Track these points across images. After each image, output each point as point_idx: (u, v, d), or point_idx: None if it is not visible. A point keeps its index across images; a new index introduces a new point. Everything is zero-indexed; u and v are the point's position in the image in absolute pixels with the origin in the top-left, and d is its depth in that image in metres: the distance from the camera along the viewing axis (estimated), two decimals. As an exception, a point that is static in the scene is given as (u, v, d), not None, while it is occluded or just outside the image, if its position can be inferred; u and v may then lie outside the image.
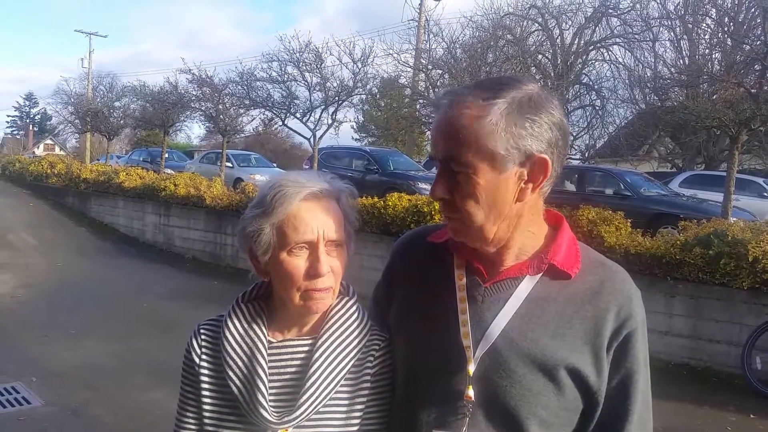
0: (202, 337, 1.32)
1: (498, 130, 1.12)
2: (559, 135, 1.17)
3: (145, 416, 5.04)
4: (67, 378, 5.80)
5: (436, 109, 1.21)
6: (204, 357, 1.30)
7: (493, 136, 1.11)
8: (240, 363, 1.25)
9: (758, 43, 9.66)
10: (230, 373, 1.25)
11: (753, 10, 13.40)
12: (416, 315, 1.29)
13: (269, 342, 1.28)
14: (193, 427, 1.31)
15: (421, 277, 1.33)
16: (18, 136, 63.24)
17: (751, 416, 5.69)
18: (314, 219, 1.20)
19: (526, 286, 1.21)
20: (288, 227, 1.21)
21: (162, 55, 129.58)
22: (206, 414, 1.28)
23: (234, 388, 1.24)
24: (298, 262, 1.21)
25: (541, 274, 1.22)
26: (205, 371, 1.29)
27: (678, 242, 7.07)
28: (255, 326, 1.29)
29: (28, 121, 68.79)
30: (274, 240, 1.22)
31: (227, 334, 1.28)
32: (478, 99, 1.13)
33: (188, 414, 1.32)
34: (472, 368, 1.18)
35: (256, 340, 1.27)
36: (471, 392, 1.17)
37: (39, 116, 68.43)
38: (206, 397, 1.29)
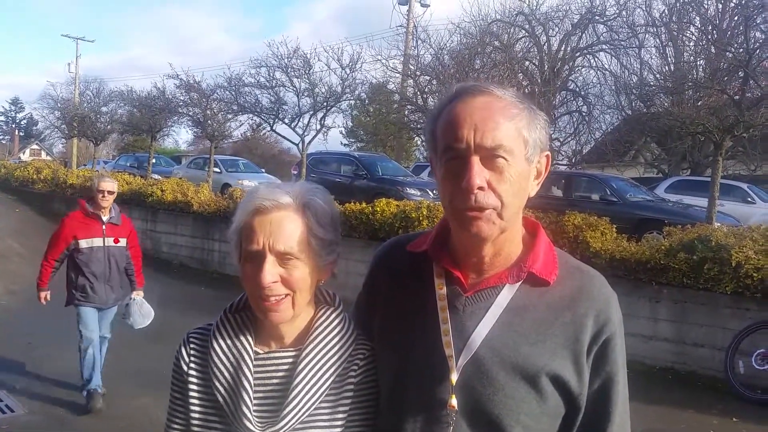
0: (191, 345, 1.34)
1: (531, 122, 1.18)
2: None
3: (132, 423, 5.02)
4: (52, 385, 5.75)
5: (458, 98, 1.18)
6: (192, 366, 1.33)
7: (528, 127, 1.17)
8: (226, 373, 1.27)
9: (741, 50, 9.78)
10: (217, 383, 1.27)
11: (736, 18, 13.59)
12: (398, 325, 1.30)
13: (256, 353, 1.30)
14: None
15: (401, 287, 1.33)
16: (3, 141, 62.68)
17: (734, 420, 5.74)
18: (262, 231, 1.21)
19: (506, 295, 1.23)
20: (244, 237, 1.25)
21: (151, 60, 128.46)
22: (193, 422, 1.30)
23: (220, 398, 1.26)
24: (250, 272, 1.23)
25: (520, 282, 1.23)
26: (193, 380, 1.32)
27: (663, 247, 7.14)
28: (242, 337, 1.30)
29: (13, 125, 68.15)
30: (238, 249, 1.27)
31: (215, 344, 1.30)
32: (504, 93, 1.18)
33: (176, 421, 1.34)
34: (454, 377, 1.19)
35: (242, 351, 1.29)
36: (454, 401, 1.19)
37: (25, 121, 67.86)
38: (194, 405, 1.31)
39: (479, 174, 1.12)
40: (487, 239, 1.18)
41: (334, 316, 1.33)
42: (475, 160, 1.12)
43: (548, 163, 1.24)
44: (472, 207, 1.13)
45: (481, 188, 1.12)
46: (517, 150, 1.15)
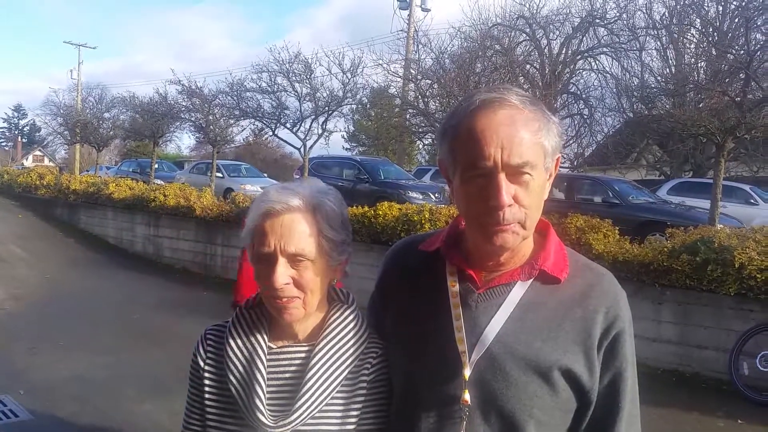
0: (208, 342, 1.38)
1: (549, 131, 1.19)
2: None
3: (135, 428, 5.02)
4: (56, 390, 5.75)
5: (479, 110, 1.16)
6: (208, 361, 1.36)
7: (547, 136, 1.18)
8: (240, 367, 1.30)
9: (742, 52, 9.79)
10: (231, 377, 1.30)
11: (737, 20, 13.60)
12: (411, 323, 1.32)
13: (269, 348, 1.32)
14: (197, 427, 1.36)
15: (414, 285, 1.35)
16: (6, 148, 62.86)
17: (739, 421, 5.72)
18: (273, 233, 1.24)
19: (518, 292, 1.25)
20: (256, 239, 1.27)
21: (153, 66, 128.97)
22: (208, 416, 1.34)
23: (234, 391, 1.29)
24: (262, 273, 1.26)
25: (532, 280, 1.26)
26: (209, 374, 1.35)
27: (665, 249, 7.13)
28: (256, 332, 1.33)
29: (16, 132, 68.43)
30: (251, 250, 1.29)
31: (230, 339, 1.33)
32: (525, 104, 1.17)
33: (194, 415, 1.37)
34: (467, 373, 1.21)
35: (256, 345, 1.32)
36: (467, 396, 1.20)
37: (28, 127, 68.11)
38: (208, 399, 1.34)
39: (507, 192, 1.13)
40: (510, 249, 1.22)
41: (347, 313, 1.36)
42: (502, 178, 1.13)
43: (558, 163, 1.26)
44: (500, 223, 1.15)
45: (509, 206, 1.14)
46: (539, 163, 1.17)
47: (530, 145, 1.14)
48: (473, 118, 1.16)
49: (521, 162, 1.13)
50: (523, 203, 1.15)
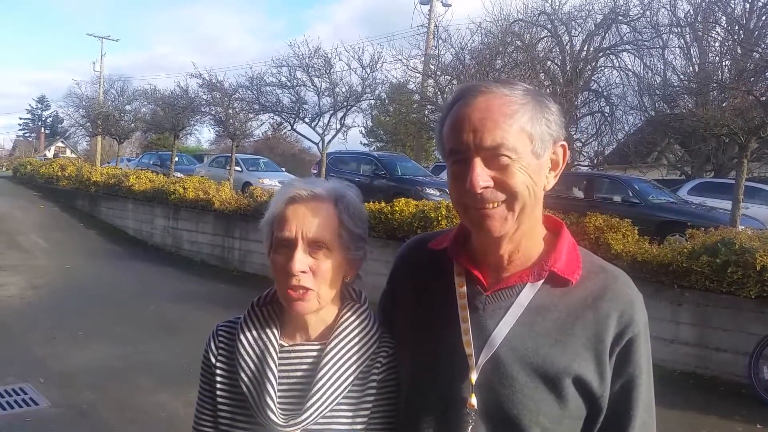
0: (219, 338, 1.37)
1: (536, 116, 1.16)
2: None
3: (151, 418, 5.07)
4: (74, 379, 5.84)
5: (460, 100, 1.17)
6: (220, 357, 1.35)
7: (531, 121, 1.15)
8: (252, 365, 1.29)
9: (768, 50, 9.62)
10: (242, 374, 1.29)
11: (764, 17, 13.37)
12: (419, 323, 1.30)
13: (281, 346, 1.31)
14: (209, 424, 1.35)
15: (423, 285, 1.33)
16: (30, 139, 63.85)
17: (758, 426, 5.64)
18: (296, 218, 1.25)
19: (527, 294, 1.21)
20: (275, 226, 1.28)
21: (175, 60, 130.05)
22: (220, 413, 1.33)
23: (245, 389, 1.28)
24: (280, 261, 1.26)
25: (541, 282, 1.22)
26: (220, 371, 1.34)
27: (685, 250, 7.04)
28: (268, 330, 1.33)
29: (39, 123, 69.44)
30: (269, 239, 1.30)
31: (241, 336, 1.32)
32: (505, 90, 1.16)
33: (205, 412, 1.36)
34: (474, 376, 1.18)
35: (267, 343, 1.31)
36: (474, 400, 1.18)
37: (51, 119, 69.08)
38: (220, 396, 1.33)
39: (481, 175, 1.12)
40: (501, 237, 1.18)
41: (359, 312, 1.35)
42: (477, 161, 1.12)
43: (565, 153, 1.22)
44: (479, 205, 1.14)
45: (486, 188, 1.13)
46: (521, 146, 1.13)
47: (506, 127, 1.12)
48: (454, 107, 1.18)
49: (494, 144, 1.11)
50: (504, 184, 1.13)
